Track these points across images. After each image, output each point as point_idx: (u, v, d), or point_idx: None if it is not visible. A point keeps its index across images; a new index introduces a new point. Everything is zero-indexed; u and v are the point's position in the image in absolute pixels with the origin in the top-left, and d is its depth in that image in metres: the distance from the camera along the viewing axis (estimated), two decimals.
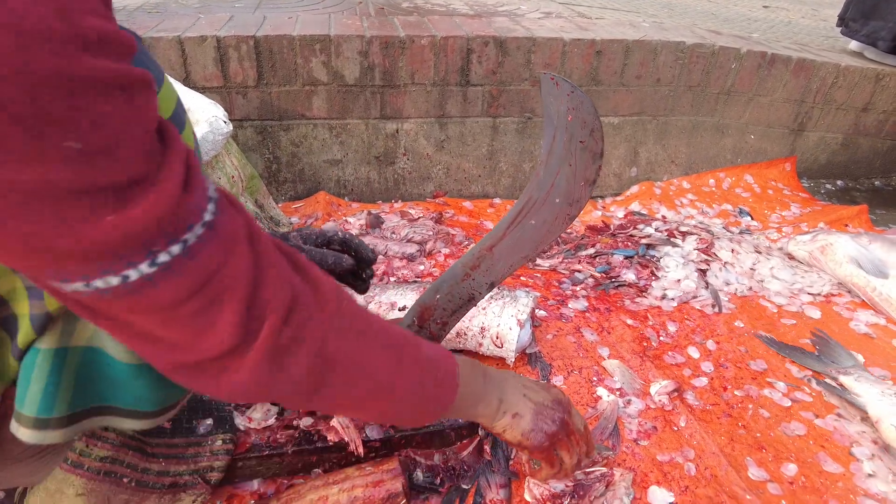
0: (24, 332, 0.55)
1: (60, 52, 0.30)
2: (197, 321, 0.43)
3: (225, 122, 1.38)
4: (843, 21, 2.17)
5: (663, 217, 1.84)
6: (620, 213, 1.91)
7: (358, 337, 0.54)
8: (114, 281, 0.38)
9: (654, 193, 1.98)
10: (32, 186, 0.32)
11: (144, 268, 0.38)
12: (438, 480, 0.93)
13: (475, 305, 0.92)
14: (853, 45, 2.17)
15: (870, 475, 0.96)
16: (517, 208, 0.85)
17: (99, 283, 0.38)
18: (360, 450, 0.91)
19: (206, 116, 1.36)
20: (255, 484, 0.92)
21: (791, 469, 0.98)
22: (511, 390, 0.74)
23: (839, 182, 2.18)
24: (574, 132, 0.78)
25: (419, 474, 0.94)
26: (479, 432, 1.01)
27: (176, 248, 0.39)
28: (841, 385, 1.13)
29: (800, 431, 1.05)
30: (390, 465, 0.87)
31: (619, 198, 2.02)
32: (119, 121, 0.34)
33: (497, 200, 1.96)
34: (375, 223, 1.64)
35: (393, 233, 1.61)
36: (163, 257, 0.39)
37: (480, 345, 1.14)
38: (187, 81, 1.58)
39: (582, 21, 1.95)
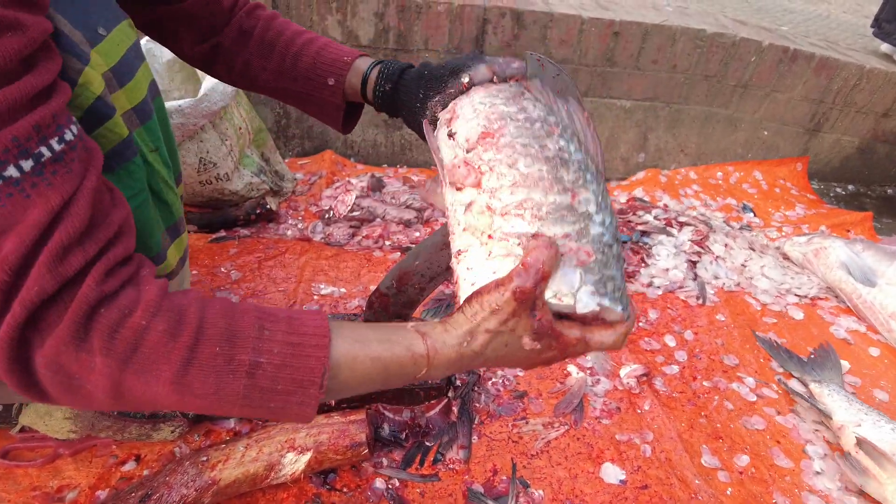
0: None
1: None
2: None
3: None
4: (877, 22, 2.11)
5: (665, 206, 1.84)
6: (623, 198, 1.91)
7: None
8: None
9: (660, 181, 1.97)
10: None
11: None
12: (404, 435, 0.98)
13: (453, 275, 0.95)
14: (884, 47, 2.11)
15: (818, 473, 1.00)
16: None
17: None
18: (332, 401, 0.96)
19: None
20: (231, 422, 0.98)
21: (743, 460, 1.01)
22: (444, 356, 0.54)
23: (850, 186, 2.15)
24: None
25: (386, 428, 0.99)
26: (449, 394, 1.05)
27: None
28: (809, 392, 1.15)
29: (759, 426, 1.08)
30: (358, 416, 0.92)
31: (624, 182, 2.02)
32: None
33: None
34: (377, 186, 1.67)
35: (392, 197, 1.64)
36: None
37: None
38: None
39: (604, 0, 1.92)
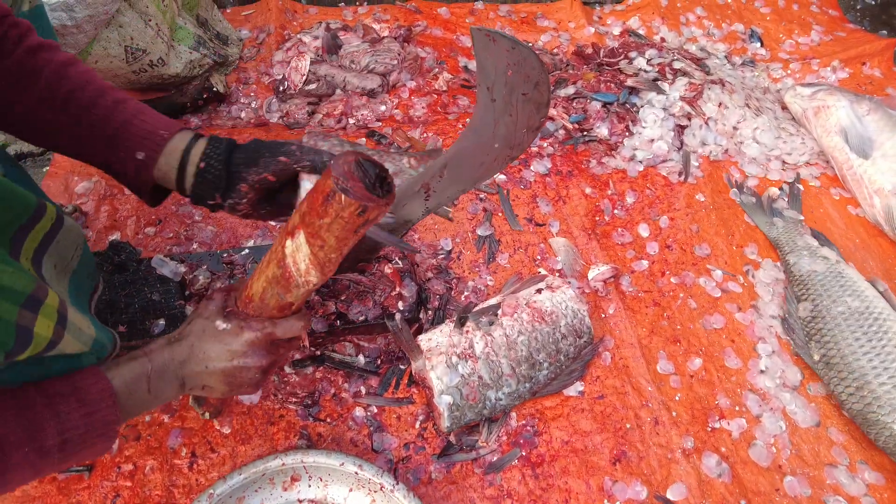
0: None
1: None
2: None
3: None
4: None
5: (661, 41, 1.64)
6: (617, 30, 1.69)
7: None
8: None
9: (660, 5, 1.72)
10: None
11: None
12: (378, 363, 1.05)
13: (411, 228, 0.91)
14: None
15: (762, 371, 1.08)
16: (453, 151, 0.78)
17: None
18: (306, 341, 1.00)
19: None
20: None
21: (696, 363, 1.09)
22: (191, 372, 0.68)
23: None
24: (515, 86, 0.68)
25: (361, 358, 1.05)
26: (421, 317, 1.09)
27: None
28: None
29: (718, 325, 1.14)
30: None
31: (619, 6, 1.76)
32: None
33: (479, 5, 1.71)
34: (332, 48, 1.47)
35: (352, 61, 1.45)
36: None
37: None
38: None
39: None
